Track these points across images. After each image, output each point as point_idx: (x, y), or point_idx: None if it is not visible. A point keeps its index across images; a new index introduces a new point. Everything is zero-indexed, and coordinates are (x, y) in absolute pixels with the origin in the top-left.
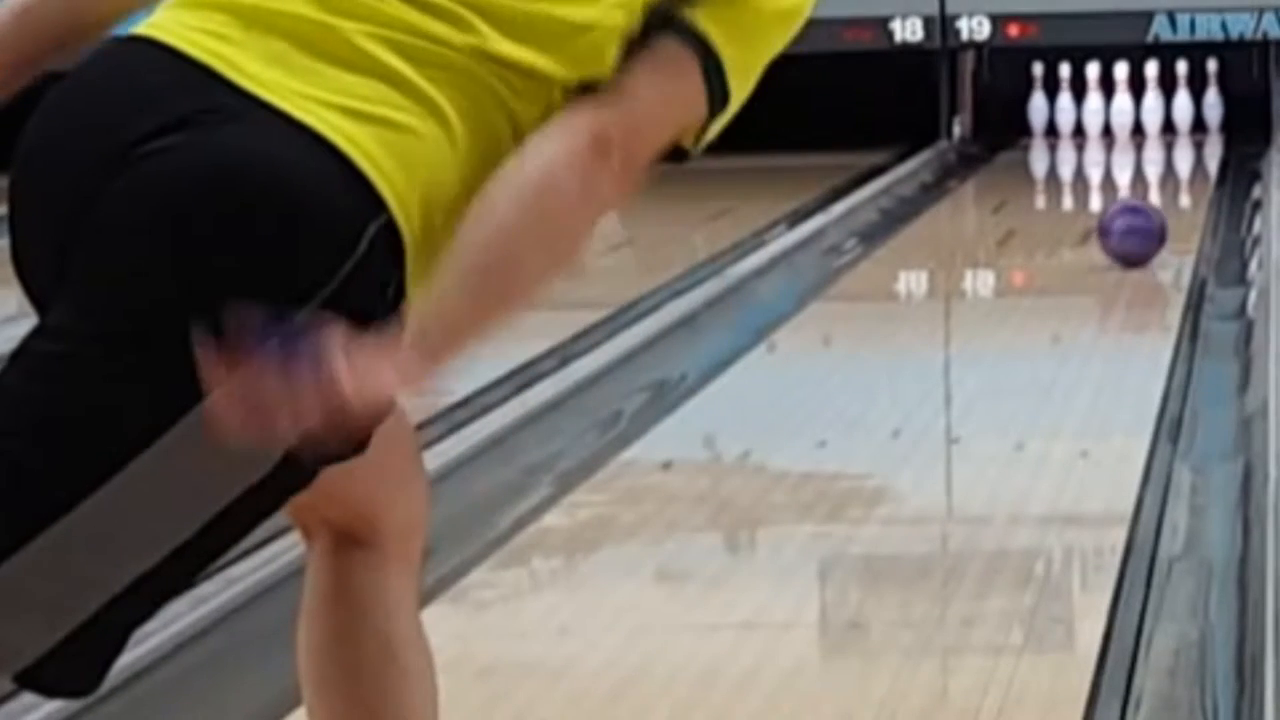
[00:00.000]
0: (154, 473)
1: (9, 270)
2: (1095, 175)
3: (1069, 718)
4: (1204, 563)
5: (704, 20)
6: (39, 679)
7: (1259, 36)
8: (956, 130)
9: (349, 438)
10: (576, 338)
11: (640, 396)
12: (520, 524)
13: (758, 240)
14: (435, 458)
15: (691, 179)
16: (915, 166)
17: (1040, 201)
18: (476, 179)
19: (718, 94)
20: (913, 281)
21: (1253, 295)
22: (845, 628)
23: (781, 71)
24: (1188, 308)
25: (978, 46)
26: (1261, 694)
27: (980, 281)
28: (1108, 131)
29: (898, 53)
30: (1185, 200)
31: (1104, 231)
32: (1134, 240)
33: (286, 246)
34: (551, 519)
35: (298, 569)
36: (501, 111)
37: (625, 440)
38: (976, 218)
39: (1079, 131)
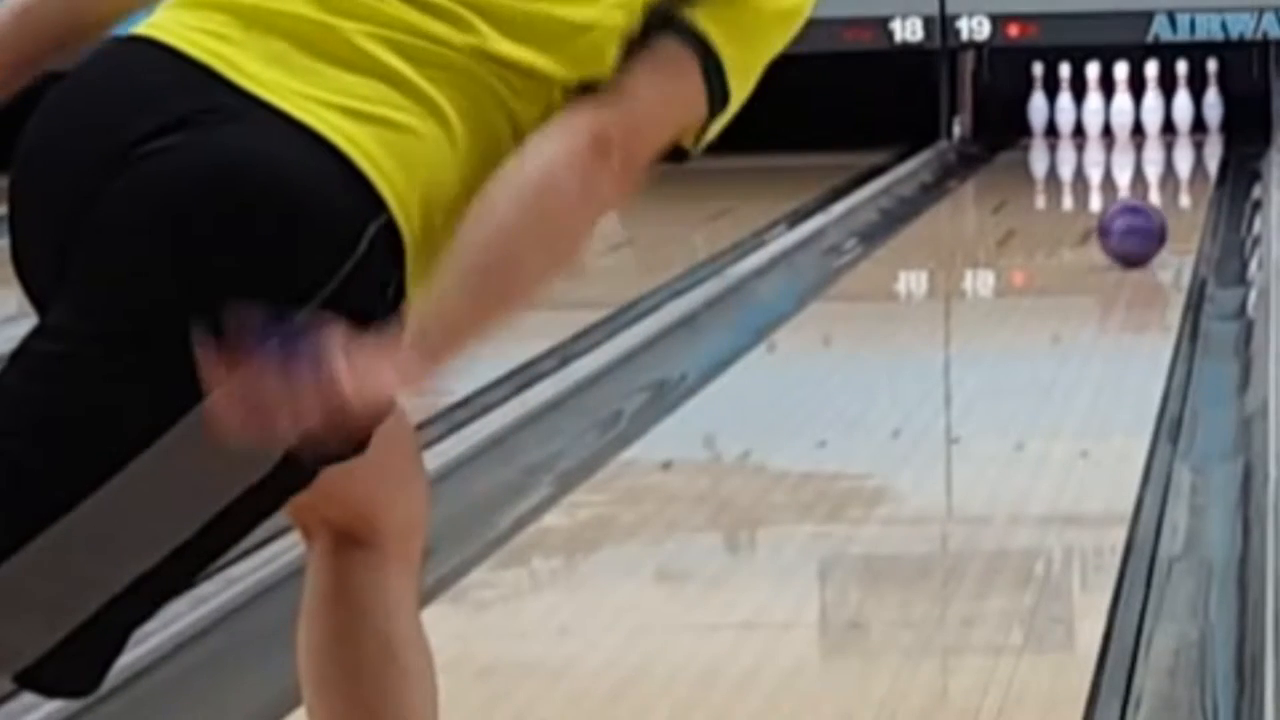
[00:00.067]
0: (154, 473)
1: (9, 270)
2: (1095, 175)
3: (1069, 718)
4: (1204, 563)
5: (704, 20)
6: (39, 679)
7: (1259, 36)
8: (956, 130)
9: (348, 437)
10: (576, 338)
11: (640, 396)
12: (520, 524)
13: (758, 240)
14: (435, 458)
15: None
16: (915, 166)
17: (1040, 201)
18: (476, 179)
19: (718, 94)
20: (913, 281)
21: (1253, 295)
22: (845, 628)
23: (781, 71)
24: (1188, 308)
25: (978, 46)
26: (1261, 694)
27: (980, 281)
28: (1108, 131)
29: (898, 53)
30: (1185, 200)
31: (1104, 231)
32: (1134, 240)
33: (286, 246)
34: (551, 519)
35: (298, 569)
36: (501, 111)
37: (625, 440)
38: (976, 218)
39: (1079, 131)
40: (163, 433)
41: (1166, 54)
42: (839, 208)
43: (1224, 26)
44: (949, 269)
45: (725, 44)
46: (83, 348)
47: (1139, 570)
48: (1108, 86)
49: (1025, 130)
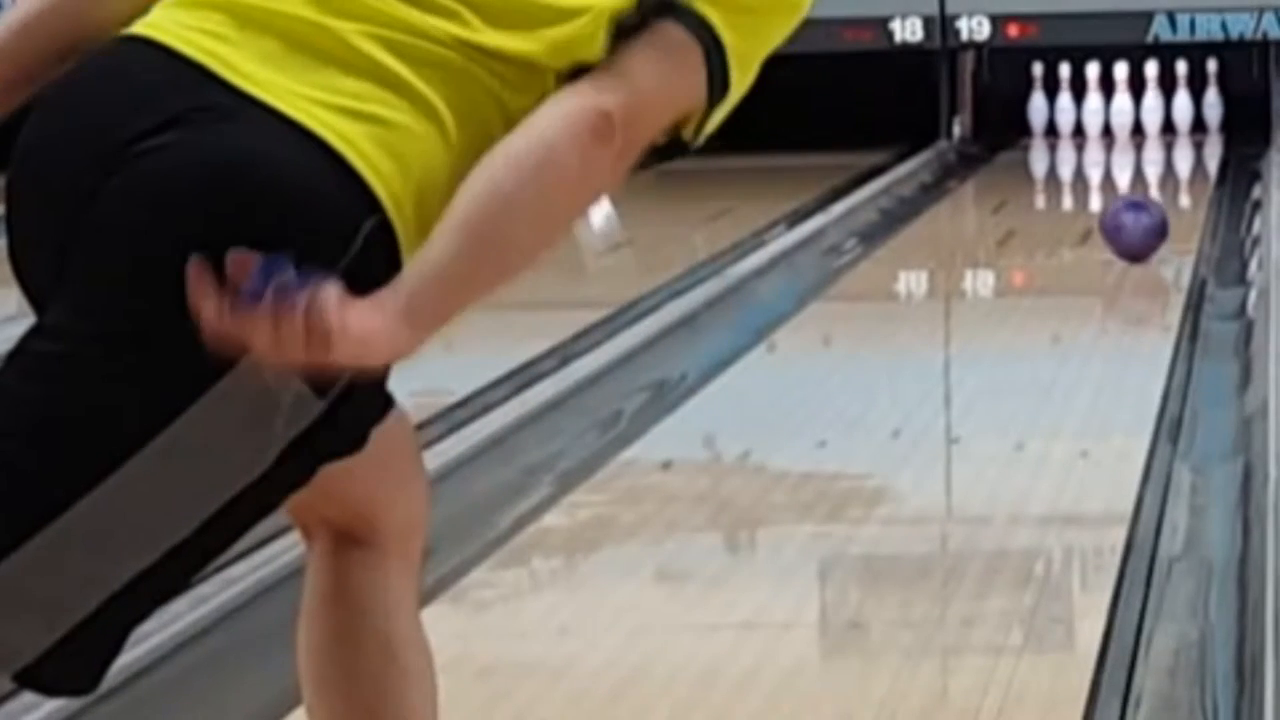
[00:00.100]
0: (152, 471)
1: (9, 270)
2: (1095, 175)
3: (1069, 718)
4: (1204, 563)
5: (706, 7)
6: (38, 678)
7: (1259, 36)
8: (956, 130)
9: (331, 381)
10: (576, 338)
11: (640, 396)
12: (520, 524)
13: (758, 240)
14: (435, 458)
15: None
16: (915, 166)
17: (1040, 201)
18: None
19: (718, 81)
20: (913, 281)
21: (1253, 295)
22: (845, 628)
23: (781, 71)
24: (1188, 308)
25: (978, 46)
26: (1261, 694)
27: (980, 281)
28: (1108, 131)
29: (898, 53)
30: (1185, 200)
31: (1116, 229)
32: (1150, 238)
33: (281, 245)
34: (551, 519)
35: (298, 569)
36: (494, 106)
37: (625, 440)
38: (976, 218)
39: (1079, 131)
40: (161, 432)
41: (1166, 54)
42: (839, 208)
43: (1224, 26)
44: (949, 269)
45: (728, 31)
46: (81, 347)
47: (1139, 570)
48: (1108, 86)
49: (1025, 130)
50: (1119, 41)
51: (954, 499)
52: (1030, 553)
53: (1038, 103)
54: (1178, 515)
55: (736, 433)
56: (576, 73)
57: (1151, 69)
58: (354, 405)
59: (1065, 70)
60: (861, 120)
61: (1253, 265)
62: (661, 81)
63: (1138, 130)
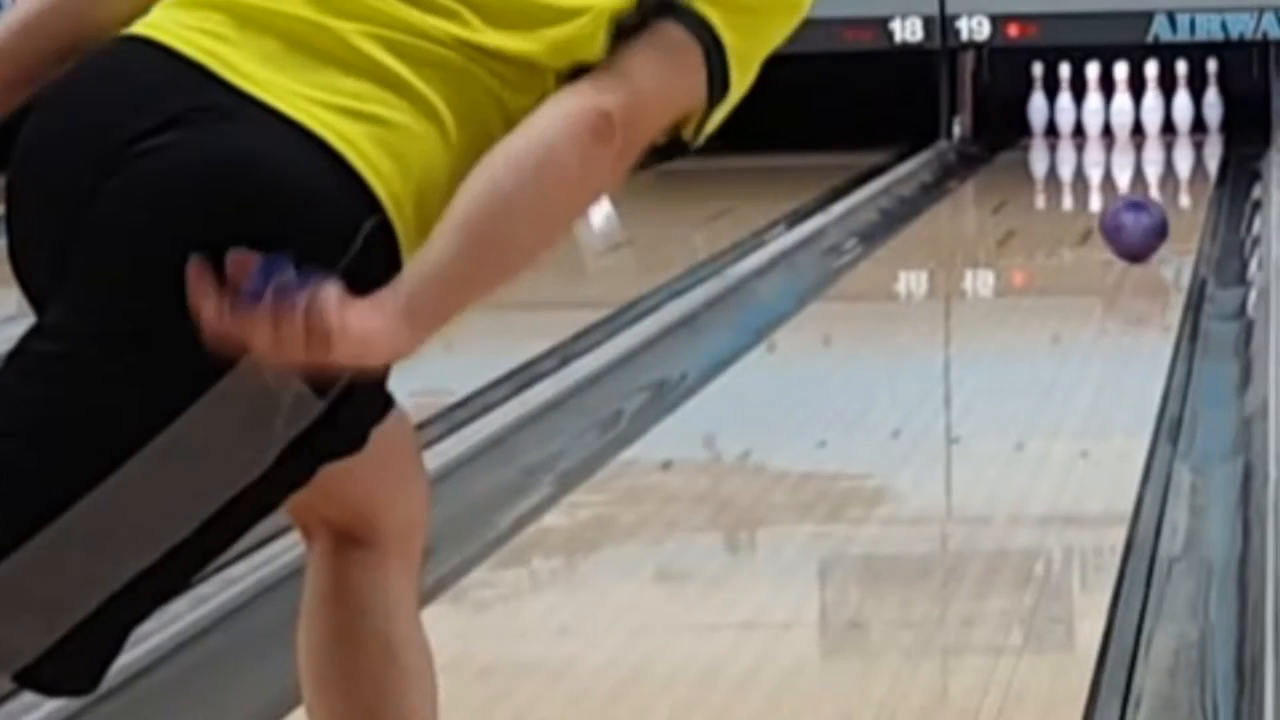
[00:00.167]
0: (152, 471)
1: (9, 270)
2: (1095, 175)
3: (1069, 718)
4: (1204, 563)
5: (706, 7)
6: (38, 677)
7: (1259, 36)
8: (956, 130)
9: (331, 382)
10: (576, 338)
11: (640, 396)
12: (520, 524)
13: (758, 240)
14: (435, 458)
15: (691, 179)
16: (915, 166)
17: (1040, 201)
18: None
19: (718, 81)
20: (913, 281)
21: (1253, 295)
22: (845, 628)
23: (781, 71)
24: (1188, 308)
25: (978, 46)
26: (1261, 694)
27: (980, 281)
28: (1108, 131)
29: (898, 53)
30: (1185, 200)
31: (1116, 229)
32: (1147, 238)
33: (281, 245)
34: (551, 519)
35: (298, 569)
36: (494, 106)
37: (625, 440)
38: (976, 218)
39: (1079, 131)
40: (161, 432)
41: (1166, 54)
42: (839, 208)
43: (1224, 26)
44: (949, 269)
45: (728, 31)
46: (81, 347)
47: (1139, 570)
48: (1108, 86)
49: (1025, 130)
50: (1119, 41)
51: (954, 499)
52: (1030, 553)
53: (1038, 103)
54: (1178, 515)
55: (736, 433)
56: (576, 73)
57: (1151, 69)
58: (354, 405)
59: (1065, 70)
60: (861, 120)
61: (1253, 265)
62: (662, 81)
63: (1138, 130)
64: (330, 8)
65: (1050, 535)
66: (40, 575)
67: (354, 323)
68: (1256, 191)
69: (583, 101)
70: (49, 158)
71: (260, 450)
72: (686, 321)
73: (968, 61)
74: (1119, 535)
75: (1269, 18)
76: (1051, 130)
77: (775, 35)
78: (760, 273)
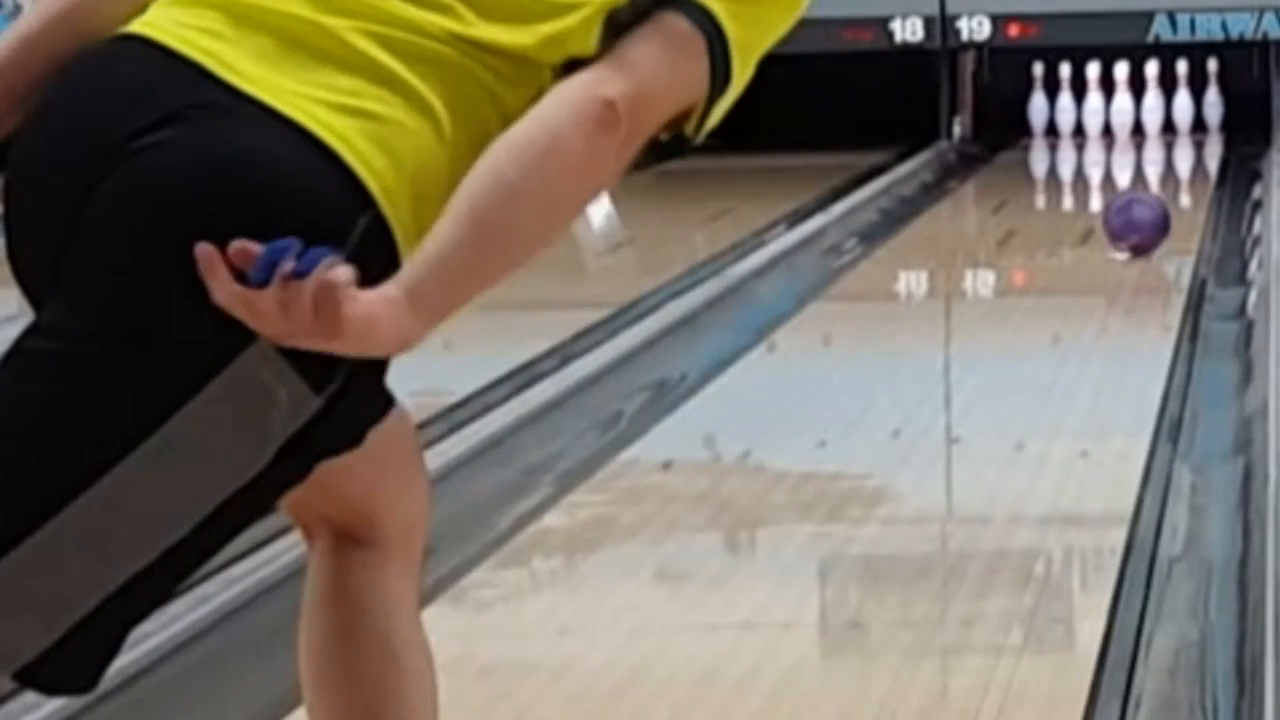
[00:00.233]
0: (149, 469)
1: (9, 270)
2: (1095, 175)
3: (1069, 718)
4: (1204, 563)
5: None
6: (38, 677)
7: (1259, 36)
8: (956, 130)
9: (330, 377)
10: (576, 338)
11: (640, 396)
12: (520, 524)
13: (758, 240)
14: (435, 458)
15: (691, 179)
16: (915, 166)
17: (1040, 201)
18: (465, 171)
19: (721, 72)
20: (913, 281)
21: (1253, 295)
22: (845, 628)
23: (781, 71)
24: (1188, 308)
25: (978, 46)
26: (1261, 694)
27: (980, 281)
28: (1108, 131)
29: (898, 53)
30: (1185, 200)
31: (1123, 224)
32: (1152, 232)
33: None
34: (551, 519)
35: (298, 569)
36: (489, 101)
37: (625, 440)
38: (976, 218)
39: (1079, 131)
40: (157, 430)
41: (1167, 54)
42: (839, 208)
43: (1224, 26)
44: (949, 269)
45: (730, 22)
46: (77, 346)
47: (1139, 570)
48: (1108, 86)
49: (1025, 130)
50: (1119, 41)
51: (954, 499)
52: (1030, 553)
53: (1038, 103)
54: (1178, 515)
55: (736, 433)
56: (571, 67)
57: (1152, 69)
58: (351, 402)
59: (1066, 70)
60: (861, 120)
61: (1253, 265)
62: (665, 71)
63: (1138, 130)
64: (325, 5)
65: (1050, 535)
66: (39, 575)
67: (360, 308)
68: (1256, 191)
69: (587, 90)
70: (47, 157)
71: (258, 447)
72: (686, 321)
73: (968, 61)
74: (1119, 535)
75: (1269, 18)
76: (1052, 130)
77: (777, 26)
78: (760, 273)
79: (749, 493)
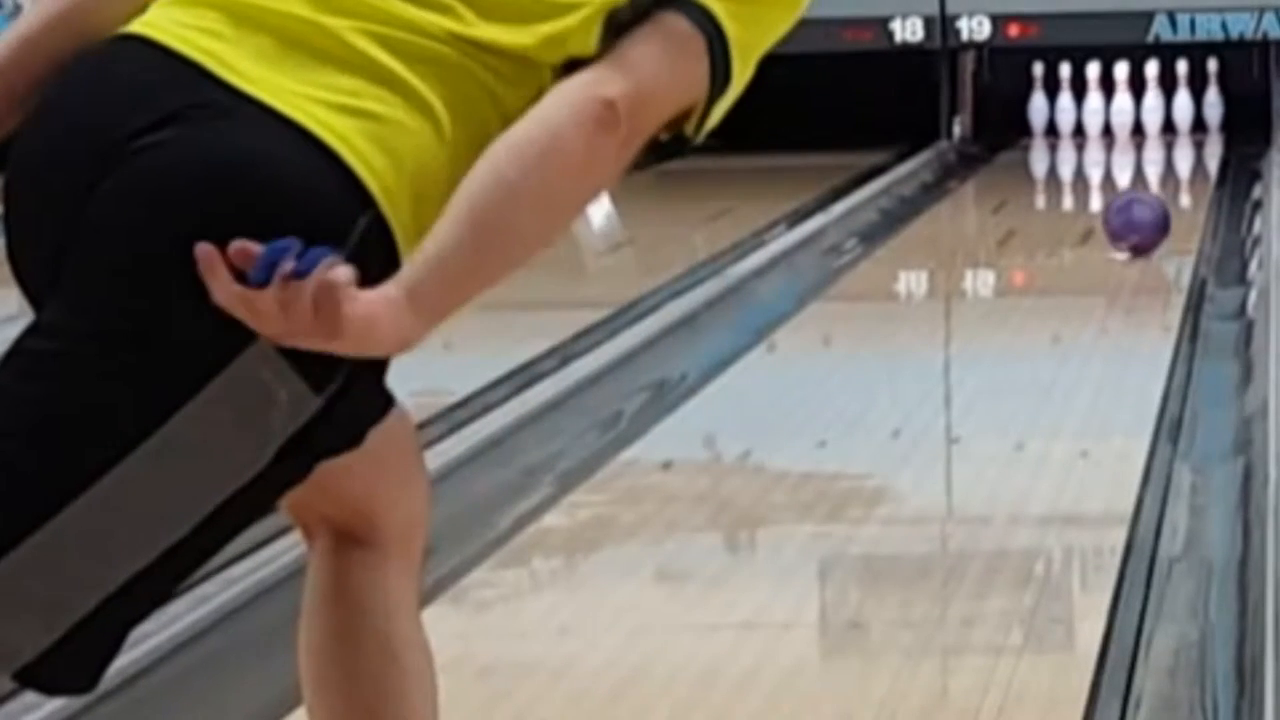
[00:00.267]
0: (149, 469)
1: (9, 270)
2: (1095, 175)
3: (1069, 718)
4: (1204, 563)
5: None
6: (38, 677)
7: (1259, 36)
8: (956, 130)
9: (330, 377)
10: (576, 338)
11: (640, 396)
12: (520, 524)
13: (758, 240)
14: (435, 458)
15: (691, 179)
16: (915, 166)
17: (1040, 201)
18: (465, 171)
19: (721, 72)
20: (913, 281)
21: (1253, 295)
22: (845, 628)
23: (781, 71)
24: (1188, 308)
25: (978, 46)
26: (1261, 694)
27: (980, 281)
28: (1108, 131)
29: (898, 53)
30: (1185, 200)
31: (1123, 224)
32: (1152, 232)
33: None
34: (551, 519)
35: (298, 569)
36: (489, 101)
37: (625, 440)
38: (976, 218)
39: (1079, 131)
40: (157, 430)
41: (1167, 54)
42: (839, 208)
43: (1224, 26)
44: (949, 269)
45: (730, 22)
46: (77, 345)
47: (1139, 570)
48: (1108, 86)
49: (1025, 130)
50: (1119, 41)
51: (954, 499)
52: (1030, 553)
53: (1038, 103)
54: (1178, 515)
55: (736, 433)
56: (571, 67)
57: (1152, 69)
58: (351, 402)
59: (1066, 70)
60: (861, 120)
61: (1253, 265)
62: (665, 71)
63: (1138, 130)
64: (325, 5)
65: (1050, 535)
66: (39, 575)
67: (361, 308)
68: (1256, 191)
69: (587, 90)
70: (47, 157)
71: (258, 448)
72: (686, 321)
73: (968, 61)
74: (1119, 535)
75: (1269, 18)
76: (1052, 130)
77: (777, 26)
78: (760, 273)
79: (749, 493)
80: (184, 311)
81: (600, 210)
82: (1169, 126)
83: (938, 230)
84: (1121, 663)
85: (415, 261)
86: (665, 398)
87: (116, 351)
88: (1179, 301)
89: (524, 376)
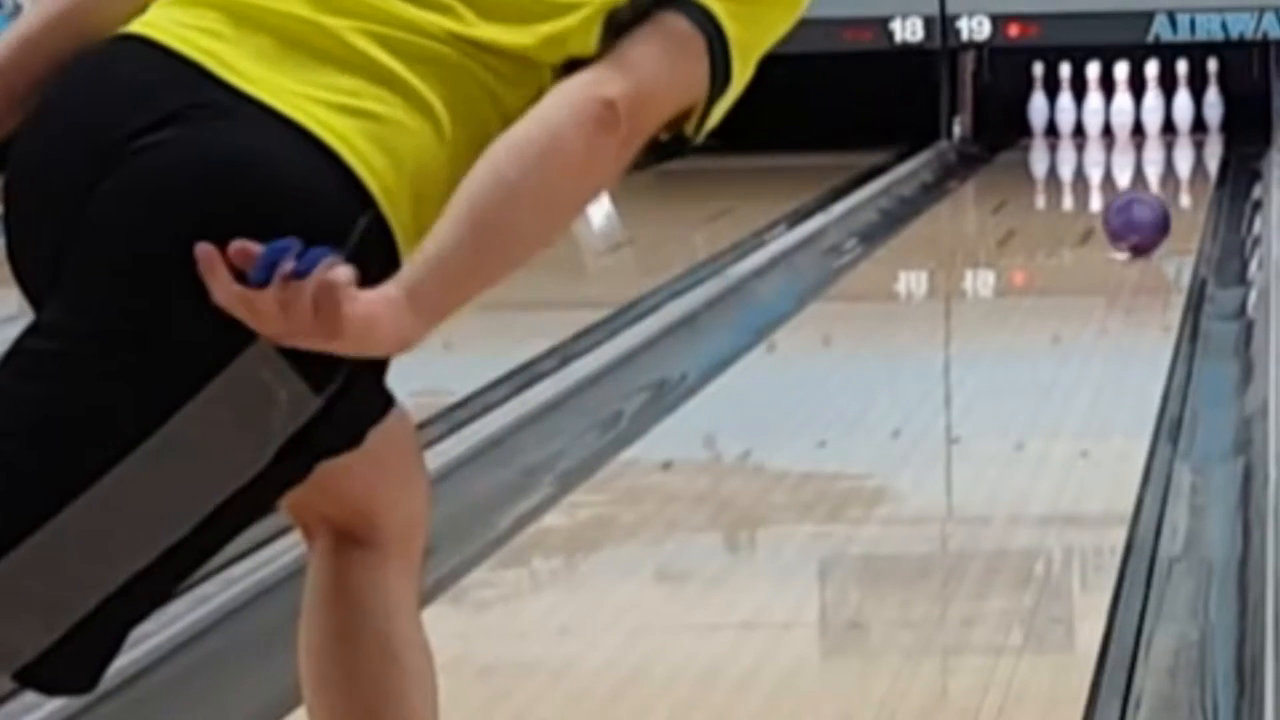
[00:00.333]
0: (149, 469)
1: (9, 270)
2: (1095, 175)
3: (1069, 718)
4: (1204, 563)
5: None
6: (38, 677)
7: (1259, 36)
8: (956, 130)
9: (330, 377)
10: (576, 338)
11: (640, 396)
12: (520, 524)
13: (758, 240)
14: (435, 458)
15: (691, 179)
16: (915, 166)
17: (1040, 201)
18: (465, 171)
19: (721, 72)
20: (913, 281)
21: (1253, 295)
22: (845, 628)
23: (781, 71)
24: (1188, 308)
25: (978, 46)
26: (1261, 694)
27: (980, 281)
28: (1108, 131)
29: (898, 53)
30: (1185, 200)
31: (1124, 224)
32: (1153, 232)
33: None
34: (551, 519)
35: (298, 569)
36: (489, 100)
37: (625, 440)
38: (976, 218)
39: (1079, 131)
40: (157, 430)
41: (1167, 54)
42: (839, 208)
43: (1224, 26)
44: (949, 269)
45: (730, 21)
46: (76, 345)
47: (1139, 570)
48: (1108, 86)
49: (1025, 130)
50: (1119, 41)
51: (954, 499)
52: (1030, 553)
53: (1038, 103)
54: (1178, 515)
55: (736, 433)
56: (571, 67)
57: (1152, 69)
58: (351, 402)
59: (1066, 70)
60: (861, 120)
61: (1253, 265)
62: (665, 71)
63: (1138, 130)
64: (325, 5)
65: (1050, 535)
66: (39, 575)
67: (360, 308)
68: (1256, 191)
69: (587, 90)
70: (47, 157)
71: (258, 447)
72: (686, 321)
73: (968, 61)
74: (1119, 535)
75: (1269, 18)
76: (1052, 130)
77: (777, 26)
78: (760, 273)
79: (749, 493)
80: (184, 311)
81: (600, 210)
82: (1169, 126)
83: (938, 230)
84: (1121, 663)
85: (415, 261)
86: (665, 398)
87: (116, 351)
88: (1179, 301)
89: (524, 376)
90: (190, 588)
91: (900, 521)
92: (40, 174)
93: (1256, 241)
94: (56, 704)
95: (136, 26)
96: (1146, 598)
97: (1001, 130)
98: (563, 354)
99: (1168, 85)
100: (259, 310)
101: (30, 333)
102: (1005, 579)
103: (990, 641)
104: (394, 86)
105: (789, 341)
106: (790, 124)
